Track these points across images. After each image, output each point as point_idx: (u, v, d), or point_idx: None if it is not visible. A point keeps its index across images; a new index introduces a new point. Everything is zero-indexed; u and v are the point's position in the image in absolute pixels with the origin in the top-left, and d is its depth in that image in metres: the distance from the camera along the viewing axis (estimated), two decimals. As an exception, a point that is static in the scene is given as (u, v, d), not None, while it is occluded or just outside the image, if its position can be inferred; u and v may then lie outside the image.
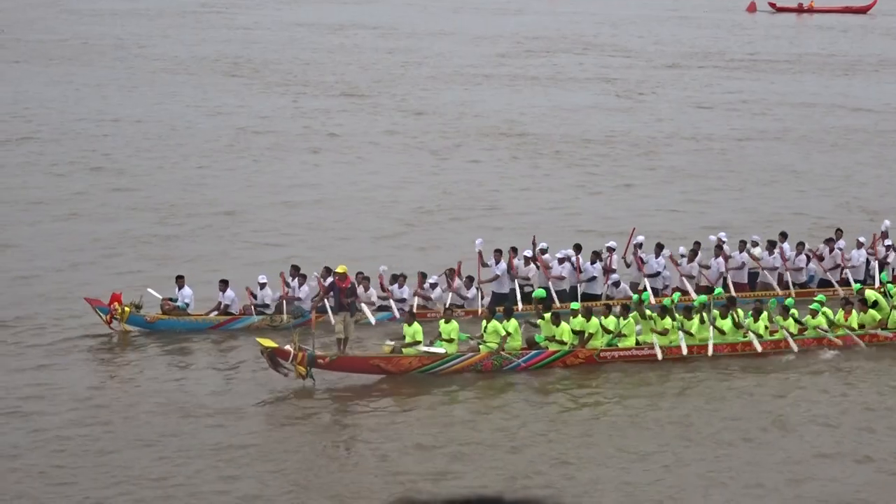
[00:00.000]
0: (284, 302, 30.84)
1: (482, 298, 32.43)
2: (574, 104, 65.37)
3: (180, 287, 30.64)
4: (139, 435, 23.86)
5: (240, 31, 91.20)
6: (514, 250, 33.10)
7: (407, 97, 66.53)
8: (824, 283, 33.99)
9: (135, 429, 24.17)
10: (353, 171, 49.28)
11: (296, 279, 31.38)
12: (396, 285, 31.97)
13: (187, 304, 30.43)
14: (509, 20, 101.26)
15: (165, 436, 23.81)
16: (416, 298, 31.78)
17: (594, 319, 28.87)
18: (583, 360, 28.56)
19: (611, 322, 29.05)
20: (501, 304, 31.07)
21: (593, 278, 33.08)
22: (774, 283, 33.73)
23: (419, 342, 27.58)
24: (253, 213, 41.91)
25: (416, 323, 27.93)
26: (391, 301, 31.67)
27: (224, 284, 30.82)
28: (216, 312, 30.50)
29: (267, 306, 30.88)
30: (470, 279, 32.40)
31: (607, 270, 33.28)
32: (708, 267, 33.53)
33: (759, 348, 29.17)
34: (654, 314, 29.49)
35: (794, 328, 29.62)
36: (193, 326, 30.15)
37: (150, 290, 30.73)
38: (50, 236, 38.21)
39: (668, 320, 29.24)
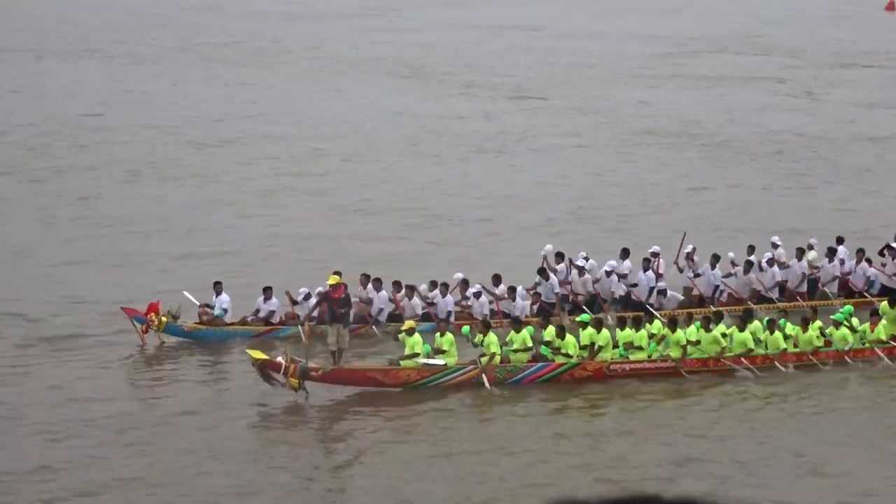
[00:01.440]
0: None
1: (532, 304, 32.21)
2: (745, 103, 63.99)
3: (218, 293, 30.70)
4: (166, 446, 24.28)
5: (403, 33, 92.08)
6: (560, 257, 32.99)
7: (580, 97, 66.12)
8: (887, 291, 32.57)
9: (161, 440, 24.59)
10: (539, 171, 49.61)
11: (372, 286, 31.66)
12: (439, 293, 32.05)
13: (225, 311, 30.58)
14: (665, 19, 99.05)
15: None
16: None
17: (605, 332, 28.44)
18: (591, 373, 28.16)
19: (626, 336, 28.60)
20: (550, 313, 31.00)
21: (636, 284, 32.66)
22: (833, 291, 32.58)
23: (417, 354, 27.64)
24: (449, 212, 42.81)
25: (416, 334, 27.95)
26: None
27: (268, 292, 31.20)
28: (251, 319, 30.97)
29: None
30: (512, 289, 32.11)
31: (657, 276, 32.70)
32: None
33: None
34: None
35: (783, 344, 28.63)
36: (231, 335, 30.22)
37: (185, 293, 30.99)
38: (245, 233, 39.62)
39: (679, 333, 28.61)
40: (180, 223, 40.84)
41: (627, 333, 28.48)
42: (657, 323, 28.85)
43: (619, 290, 32.46)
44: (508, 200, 44.53)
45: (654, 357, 28.35)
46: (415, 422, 26.24)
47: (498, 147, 54.34)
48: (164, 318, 29.97)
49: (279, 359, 26.42)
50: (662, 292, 32.45)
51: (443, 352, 27.59)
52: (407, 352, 27.53)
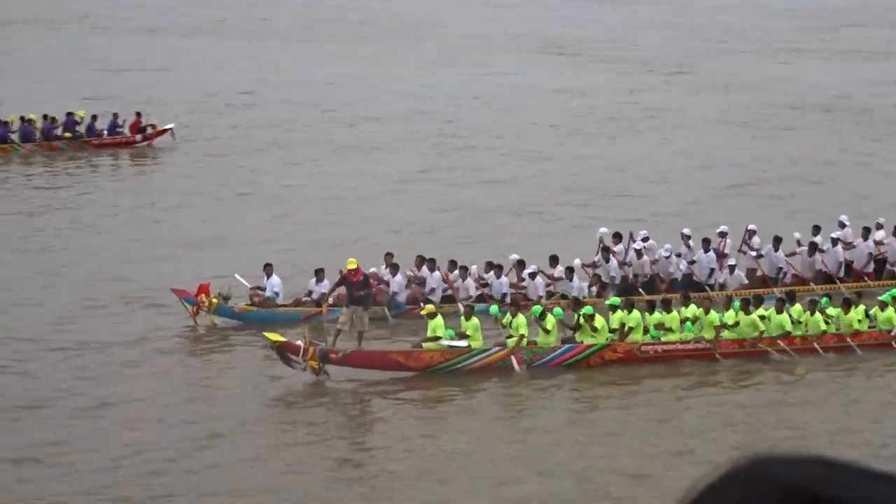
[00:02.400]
0: (377, 292, 31.06)
1: (591, 287, 31.64)
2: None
3: (268, 276, 30.63)
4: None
5: (532, 8, 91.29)
6: (618, 237, 32.32)
7: (722, 73, 64.80)
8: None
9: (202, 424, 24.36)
10: (689, 147, 49.56)
11: (389, 269, 31.64)
12: (493, 275, 31.69)
13: (276, 294, 30.60)
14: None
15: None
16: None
17: (635, 312, 27.71)
18: (622, 354, 27.49)
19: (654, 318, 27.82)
20: (608, 294, 30.51)
21: (700, 264, 31.75)
22: None
23: (440, 337, 27.33)
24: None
25: (438, 316, 27.63)
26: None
27: (320, 273, 31.05)
28: (304, 300, 31.05)
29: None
30: (570, 269, 31.61)
31: (720, 256, 31.78)
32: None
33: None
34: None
35: (823, 326, 27.37)
36: (283, 318, 30.13)
37: (237, 276, 30.94)
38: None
39: (713, 315, 27.67)
40: (282, 203, 41.29)
41: (657, 316, 27.70)
42: (692, 306, 27.97)
43: (678, 270, 31.67)
44: (663, 177, 44.61)
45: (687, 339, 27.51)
46: (440, 407, 25.96)
47: (651, 124, 54.09)
48: (214, 300, 30.05)
49: (298, 341, 26.35)
50: (730, 269, 31.53)
51: (466, 336, 27.20)
52: (429, 334, 27.22)
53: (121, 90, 59.45)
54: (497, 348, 27.28)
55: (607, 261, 31.80)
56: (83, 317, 30.26)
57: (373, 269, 30.92)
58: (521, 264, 31.77)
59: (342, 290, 28.33)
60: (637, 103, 57.93)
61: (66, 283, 33.01)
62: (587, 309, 27.56)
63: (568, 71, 67.65)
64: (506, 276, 31.51)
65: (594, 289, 31.46)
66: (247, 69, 66.73)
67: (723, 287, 31.19)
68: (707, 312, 27.62)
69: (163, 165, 48.04)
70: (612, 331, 27.47)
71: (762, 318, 27.61)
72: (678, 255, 31.75)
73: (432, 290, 31.31)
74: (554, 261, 31.82)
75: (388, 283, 31.11)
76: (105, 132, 49.53)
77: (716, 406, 25.35)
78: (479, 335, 27.27)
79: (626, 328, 27.47)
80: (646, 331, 27.53)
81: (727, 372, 27.14)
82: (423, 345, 27.15)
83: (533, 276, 31.43)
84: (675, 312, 27.68)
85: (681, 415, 25.01)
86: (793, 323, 27.49)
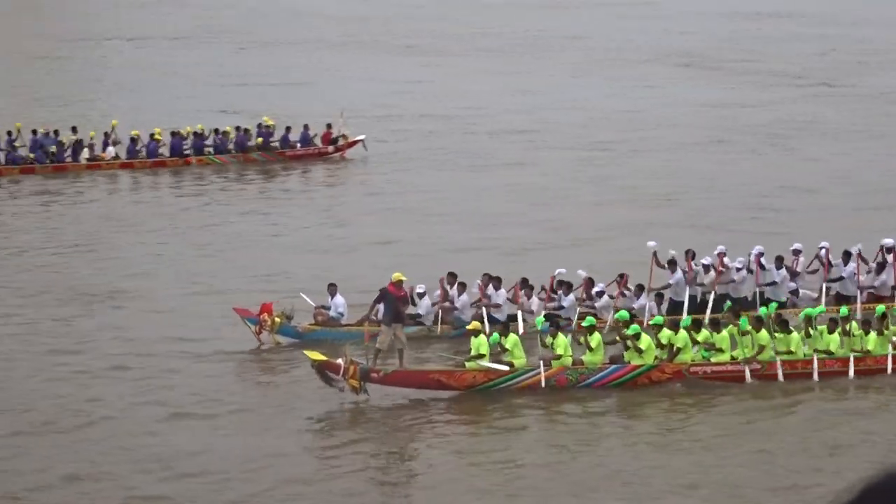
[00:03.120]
0: (441, 311, 30.84)
1: (660, 306, 30.91)
2: None
3: (332, 295, 30.52)
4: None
5: (661, 20, 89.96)
6: (689, 255, 31.43)
7: (863, 85, 63.06)
8: None
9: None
10: (831, 160, 49.25)
11: (455, 287, 31.34)
12: (562, 293, 31.21)
13: (341, 314, 30.59)
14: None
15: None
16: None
17: (682, 333, 26.95)
18: (670, 375, 26.75)
19: (702, 336, 27.02)
20: (678, 313, 29.80)
21: (773, 283, 30.72)
22: None
23: (483, 356, 26.89)
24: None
25: (482, 335, 27.20)
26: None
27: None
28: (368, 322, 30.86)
29: (420, 315, 30.87)
30: (640, 287, 30.98)
31: (793, 275, 30.76)
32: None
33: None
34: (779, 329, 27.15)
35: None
36: (346, 337, 29.58)
37: (302, 295, 30.89)
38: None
39: (763, 334, 26.73)
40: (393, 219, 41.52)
41: (705, 335, 26.89)
42: (742, 321, 27.08)
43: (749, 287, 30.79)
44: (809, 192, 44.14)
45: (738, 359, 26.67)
46: (480, 429, 25.56)
47: (787, 135, 53.54)
48: (277, 319, 30.03)
49: (338, 360, 26.23)
50: (795, 292, 30.56)
51: (505, 350, 26.75)
52: (472, 353, 26.84)
53: (269, 104, 60.61)
54: (541, 369, 26.74)
55: (674, 271, 31.09)
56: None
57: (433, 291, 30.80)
58: (590, 282, 31.21)
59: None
60: (785, 118, 57.02)
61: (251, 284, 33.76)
62: (634, 328, 26.88)
63: (709, 83, 66.63)
64: (574, 293, 31.00)
65: (664, 307, 30.73)
66: (404, 82, 67.88)
67: (794, 305, 30.19)
68: (758, 331, 26.70)
69: (355, 175, 49.25)
70: (659, 346, 26.72)
71: (809, 336, 26.64)
72: (750, 272, 30.80)
73: (498, 307, 30.92)
74: (590, 283, 31.19)
75: (452, 303, 30.82)
76: (298, 144, 50.80)
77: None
78: (519, 351, 26.80)
79: (675, 348, 26.71)
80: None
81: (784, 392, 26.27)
82: (466, 364, 26.76)
83: (600, 294, 30.86)
84: (724, 332, 26.83)
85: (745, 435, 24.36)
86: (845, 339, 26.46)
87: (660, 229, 36.97)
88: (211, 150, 49.92)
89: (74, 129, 50.15)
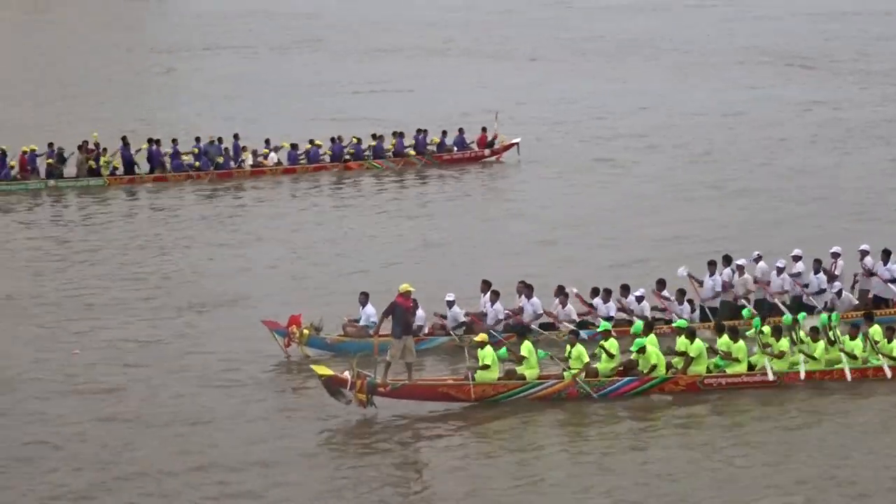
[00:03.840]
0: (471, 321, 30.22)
1: (692, 312, 30.15)
2: None
3: (363, 305, 29.95)
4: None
5: (759, 21, 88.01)
6: (726, 260, 30.60)
7: None
8: None
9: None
10: None
11: (487, 295, 30.72)
12: (600, 300, 30.50)
13: (373, 323, 29.90)
14: None
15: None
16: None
17: (698, 342, 26.08)
18: (684, 387, 25.90)
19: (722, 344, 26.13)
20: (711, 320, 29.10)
21: (821, 291, 29.75)
22: None
23: (488, 366, 26.04)
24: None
25: (488, 346, 26.46)
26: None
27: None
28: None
29: (456, 326, 30.38)
30: (682, 292, 30.22)
31: (831, 278, 29.67)
32: None
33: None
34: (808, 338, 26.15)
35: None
36: (378, 347, 29.74)
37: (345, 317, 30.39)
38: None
39: (784, 342, 25.71)
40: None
41: (725, 341, 25.98)
42: (766, 329, 26.15)
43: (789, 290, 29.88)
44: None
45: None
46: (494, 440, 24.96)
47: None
48: (305, 331, 29.66)
49: (346, 374, 25.83)
50: (837, 293, 29.45)
51: (523, 358, 26.25)
52: (480, 364, 26.25)
53: (379, 111, 61.41)
54: (554, 381, 26.10)
55: (712, 273, 30.46)
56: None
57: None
58: (625, 288, 30.48)
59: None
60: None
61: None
62: (638, 342, 26.11)
63: (816, 83, 65.34)
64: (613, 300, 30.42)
65: (696, 314, 29.96)
66: (513, 88, 67.84)
67: (831, 310, 29.09)
68: (778, 340, 25.72)
69: (509, 179, 50.03)
70: (680, 353, 25.92)
71: (832, 343, 25.60)
72: (792, 275, 29.88)
73: (536, 316, 30.30)
74: (661, 284, 30.47)
75: (485, 314, 30.23)
76: (455, 147, 51.68)
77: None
78: (533, 360, 26.17)
79: (689, 358, 25.86)
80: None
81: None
82: (476, 376, 26.17)
83: (640, 299, 30.13)
84: (741, 342, 25.87)
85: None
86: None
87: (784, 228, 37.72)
88: (370, 154, 51.06)
89: (237, 136, 51.42)
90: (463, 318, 30.18)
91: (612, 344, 26.38)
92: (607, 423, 25.21)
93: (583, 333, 28.93)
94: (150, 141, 50.39)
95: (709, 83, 67.81)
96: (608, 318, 29.68)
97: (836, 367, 25.78)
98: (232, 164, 50.11)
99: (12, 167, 48.59)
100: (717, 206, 43.19)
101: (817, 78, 68.25)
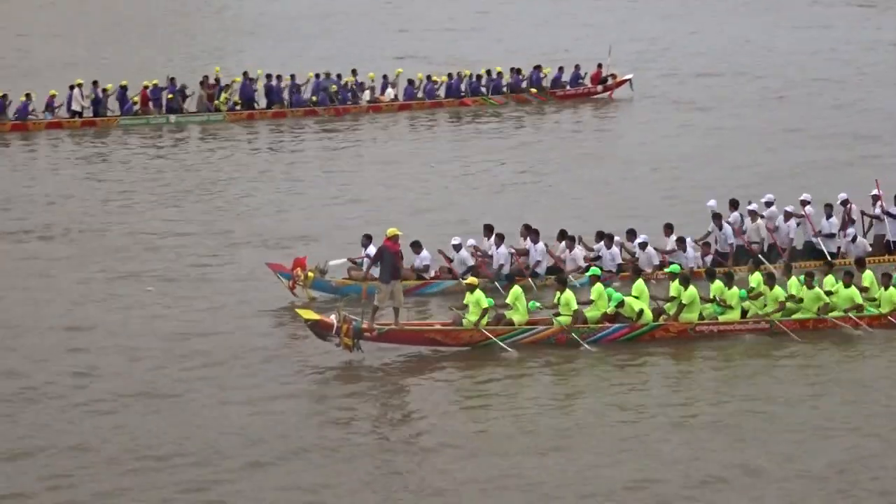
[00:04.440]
0: (478, 264, 29.68)
1: (704, 257, 29.47)
2: None
3: (365, 247, 29.51)
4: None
5: None
6: (733, 205, 29.84)
7: None
8: None
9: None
10: None
11: (491, 239, 30.18)
12: (604, 244, 29.85)
13: (427, 267, 29.49)
14: None
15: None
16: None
17: (691, 289, 25.38)
18: (675, 334, 25.22)
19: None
20: (722, 266, 28.37)
21: (831, 235, 28.84)
22: None
23: (481, 310, 25.64)
24: None
25: (477, 290, 25.91)
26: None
27: (417, 247, 30.04)
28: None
29: (465, 271, 29.71)
30: (681, 240, 29.50)
31: (845, 224, 28.83)
32: None
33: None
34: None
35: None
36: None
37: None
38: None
39: (778, 290, 24.94)
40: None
41: (718, 287, 25.24)
42: (757, 276, 25.36)
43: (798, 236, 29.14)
44: None
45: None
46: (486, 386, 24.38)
47: None
48: (310, 274, 29.32)
49: (331, 317, 25.38)
50: (852, 239, 28.59)
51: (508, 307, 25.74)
52: (472, 309, 25.68)
53: (452, 49, 63.11)
54: (542, 327, 25.54)
55: (720, 228, 29.42)
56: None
57: (471, 241, 29.81)
58: (631, 233, 29.86)
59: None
60: None
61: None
62: (616, 297, 25.44)
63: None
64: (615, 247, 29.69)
65: (708, 258, 29.20)
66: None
67: (844, 256, 28.26)
68: (771, 288, 24.93)
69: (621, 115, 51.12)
70: (671, 299, 25.32)
71: (829, 293, 24.74)
72: (797, 223, 29.03)
73: (537, 262, 29.77)
74: (669, 229, 29.75)
75: (491, 257, 29.73)
76: (568, 84, 52.92)
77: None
78: (522, 306, 25.60)
79: (680, 304, 25.15)
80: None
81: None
82: (463, 321, 25.64)
83: (644, 246, 29.51)
84: (735, 289, 25.11)
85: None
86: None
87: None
88: (486, 90, 51.93)
89: (354, 72, 52.75)
90: (470, 262, 29.67)
91: (597, 291, 25.72)
92: (597, 368, 24.56)
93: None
94: (268, 76, 51.45)
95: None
96: (617, 266, 29.28)
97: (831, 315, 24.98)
98: (349, 100, 51.12)
99: (135, 102, 50.09)
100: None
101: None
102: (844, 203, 29.76)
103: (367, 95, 51.60)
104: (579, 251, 29.80)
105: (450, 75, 52.14)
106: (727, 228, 29.48)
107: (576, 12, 73.25)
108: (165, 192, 39.69)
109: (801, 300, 24.97)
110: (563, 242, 29.94)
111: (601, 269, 28.69)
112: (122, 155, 45.35)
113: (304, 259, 29.52)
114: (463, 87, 51.76)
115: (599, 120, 50.16)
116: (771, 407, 22.08)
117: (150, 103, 49.81)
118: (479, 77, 52.08)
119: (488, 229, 30.19)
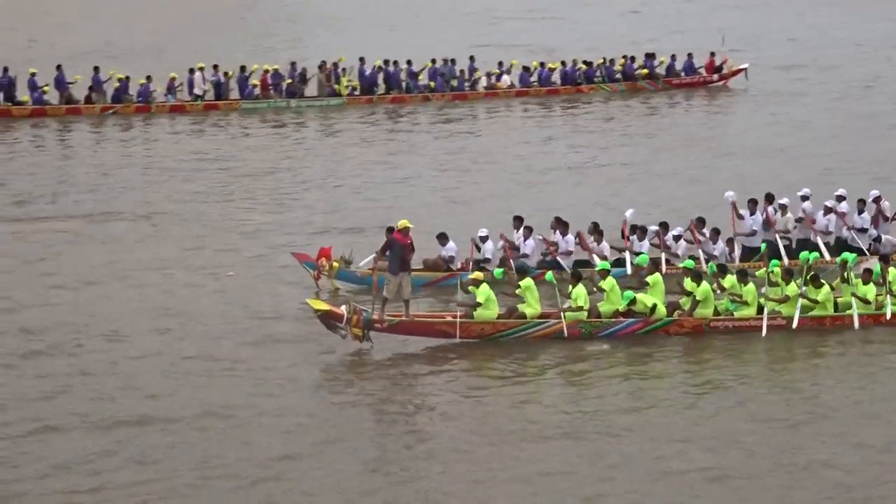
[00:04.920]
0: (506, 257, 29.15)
1: (731, 253, 28.68)
2: None
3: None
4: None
5: None
6: (768, 199, 28.89)
7: None
8: None
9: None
10: None
11: (520, 231, 29.63)
12: (636, 237, 29.17)
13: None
14: None
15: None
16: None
17: (704, 285, 24.70)
18: (689, 330, 24.54)
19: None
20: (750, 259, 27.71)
21: (863, 230, 28.04)
22: None
23: (480, 304, 25.07)
24: None
25: (484, 285, 25.37)
26: (627, 254, 28.90)
27: (444, 238, 29.63)
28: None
29: (487, 261, 29.30)
30: (716, 231, 28.73)
31: (883, 220, 28.16)
32: None
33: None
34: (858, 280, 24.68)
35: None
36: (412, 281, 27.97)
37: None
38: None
39: (793, 286, 24.12)
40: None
41: (730, 280, 24.54)
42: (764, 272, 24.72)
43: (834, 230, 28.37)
44: None
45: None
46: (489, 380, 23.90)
47: None
48: (335, 264, 29.03)
49: (342, 308, 25.05)
50: (877, 239, 28.16)
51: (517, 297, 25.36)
52: (479, 301, 25.19)
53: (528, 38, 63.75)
54: (554, 321, 24.96)
55: (741, 219, 29.09)
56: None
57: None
58: (664, 226, 29.18)
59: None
60: None
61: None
62: (627, 294, 24.76)
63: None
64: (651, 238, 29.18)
65: (735, 254, 28.51)
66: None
67: (875, 252, 27.58)
68: (787, 283, 24.16)
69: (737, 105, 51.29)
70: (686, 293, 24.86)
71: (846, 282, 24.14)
72: (831, 213, 28.27)
73: (567, 253, 29.18)
74: (701, 223, 29.20)
75: (517, 248, 29.18)
76: (682, 73, 53.37)
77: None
78: (533, 298, 25.06)
79: (695, 300, 24.46)
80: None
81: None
82: (475, 314, 25.16)
83: (677, 238, 28.82)
84: (751, 285, 24.37)
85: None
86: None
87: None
88: (601, 78, 52.69)
89: (472, 59, 53.63)
90: (500, 254, 29.18)
91: (609, 284, 25.09)
92: (608, 363, 23.96)
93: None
94: (385, 62, 52.40)
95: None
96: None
97: (847, 312, 24.15)
98: (466, 85, 52.16)
99: (255, 86, 50.95)
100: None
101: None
102: (876, 200, 28.96)
103: (483, 82, 52.52)
104: (606, 244, 29.15)
105: (563, 63, 53.19)
106: (751, 219, 28.75)
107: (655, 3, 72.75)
108: (286, 178, 40.07)
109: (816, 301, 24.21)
110: (593, 235, 29.30)
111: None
112: (245, 142, 45.57)
113: (330, 249, 29.26)
114: (578, 74, 52.75)
115: (710, 110, 50.40)
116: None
117: (271, 88, 50.81)
118: (593, 64, 53.04)
119: (518, 220, 29.66)
